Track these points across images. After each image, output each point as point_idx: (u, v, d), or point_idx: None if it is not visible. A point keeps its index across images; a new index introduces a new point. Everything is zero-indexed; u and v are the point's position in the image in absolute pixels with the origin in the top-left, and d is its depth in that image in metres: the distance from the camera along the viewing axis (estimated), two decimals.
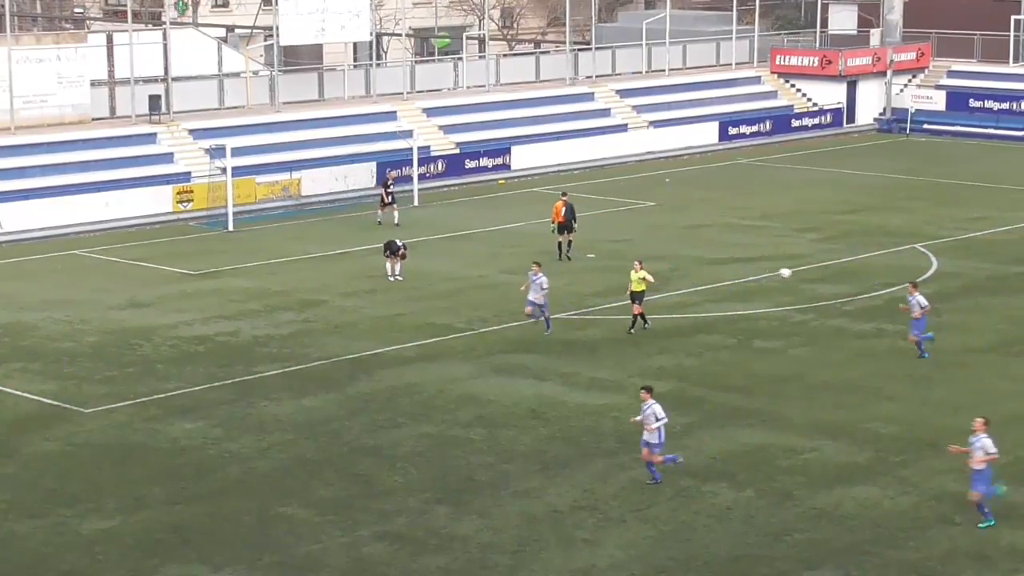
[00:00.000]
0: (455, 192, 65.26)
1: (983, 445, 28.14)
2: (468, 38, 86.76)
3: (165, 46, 64.60)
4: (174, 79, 64.69)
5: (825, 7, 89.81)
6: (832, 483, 30.53)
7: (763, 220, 58.12)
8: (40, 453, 32.75)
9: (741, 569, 26.75)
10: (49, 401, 36.14)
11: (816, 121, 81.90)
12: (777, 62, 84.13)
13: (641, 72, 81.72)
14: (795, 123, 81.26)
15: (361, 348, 40.37)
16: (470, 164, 68.56)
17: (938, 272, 49.18)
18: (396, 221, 56.36)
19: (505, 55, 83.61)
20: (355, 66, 77.30)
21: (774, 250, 52.59)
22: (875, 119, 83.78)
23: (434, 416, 34.82)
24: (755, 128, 79.26)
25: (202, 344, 41.07)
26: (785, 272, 44.08)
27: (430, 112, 70.88)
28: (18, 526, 28.66)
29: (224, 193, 58.04)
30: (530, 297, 41.53)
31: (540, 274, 41.26)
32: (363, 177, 64.38)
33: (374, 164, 64.77)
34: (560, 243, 51.00)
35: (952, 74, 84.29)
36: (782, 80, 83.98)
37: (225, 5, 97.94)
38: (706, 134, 77.37)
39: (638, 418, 30.76)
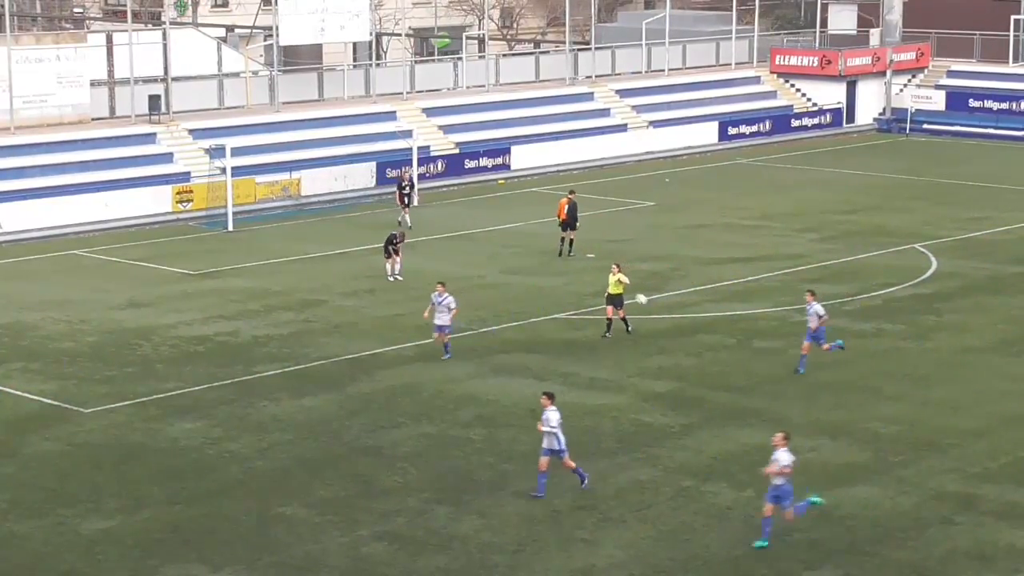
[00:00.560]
0: (455, 192, 65.26)
1: (778, 458, 27.48)
2: (468, 38, 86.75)
3: (165, 46, 64.59)
4: (174, 79, 64.70)
5: (825, 7, 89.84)
6: (832, 483, 30.51)
7: (763, 220, 58.13)
8: (40, 453, 32.74)
9: (741, 569, 26.75)
10: (49, 401, 36.14)
11: (816, 121, 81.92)
12: (777, 62, 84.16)
13: (641, 72, 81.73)
14: (795, 123, 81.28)
15: (361, 348, 40.37)
16: (470, 164, 68.56)
17: (938, 272, 49.19)
18: (408, 223, 55.80)
19: (505, 55, 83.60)
20: (355, 66, 77.34)
21: (774, 250, 52.60)
22: (875, 119, 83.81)
23: (434, 416, 34.82)
24: (755, 128, 79.29)
25: (202, 344, 41.07)
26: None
27: (430, 112, 70.88)
28: (18, 526, 28.66)
29: (224, 193, 58.05)
30: (436, 322, 38.92)
31: (446, 294, 38.81)
32: (363, 177, 64.40)
33: (374, 164, 64.79)
34: (562, 239, 51.11)
35: (952, 74, 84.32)
36: (782, 80, 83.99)
37: (225, 5, 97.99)
38: (706, 134, 77.39)
39: (541, 425, 29.94)
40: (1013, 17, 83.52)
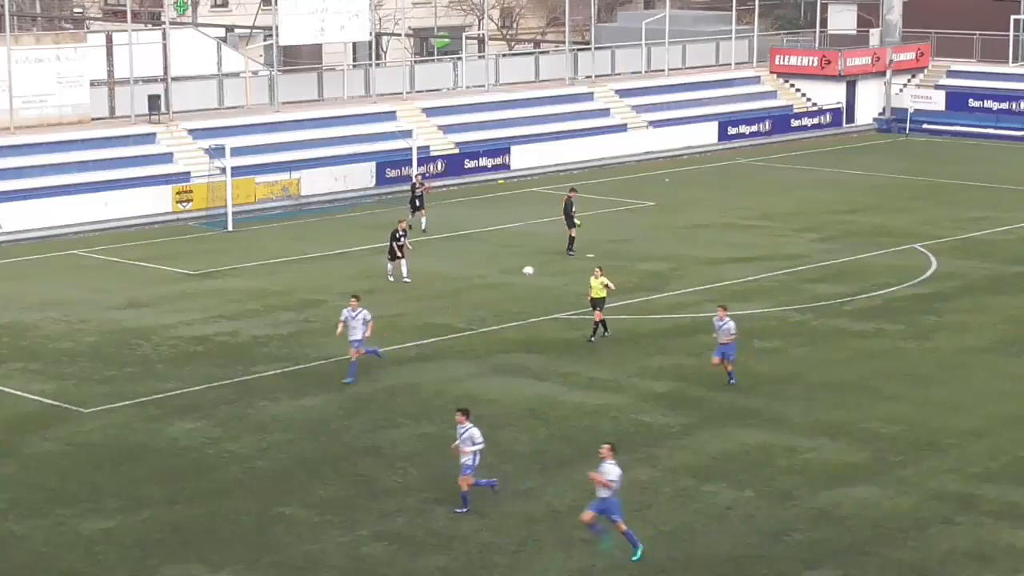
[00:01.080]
0: (454, 192, 65.25)
1: (605, 470, 26.89)
2: (467, 38, 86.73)
3: (164, 46, 64.59)
4: (173, 79, 64.69)
5: (825, 7, 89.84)
6: (832, 483, 30.52)
7: (763, 220, 58.12)
8: (40, 453, 32.75)
9: (741, 569, 26.75)
10: (49, 401, 36.15)
11: (816, 121, 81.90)
12: (776, 62, 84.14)
13: (640, 72, 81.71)
14: (794, 123, 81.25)
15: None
16: (469, 164, 68.56)
17: (937, 272, 49.19)
18: (423, 227, 55.43)
19: (504, 55, 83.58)
20: (354, 66, 77.35)
21: (774, 250, 52.60)
22: (875, 119, 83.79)
23: (434, 416, 34.81)
24: (754, 128, 79.26)
25: (202, 344, 41.07)
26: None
27: (429, 112, 70.88)
28: (18, 526, 28.66)
29: (223, 193, 58.05)
30: (352, 338, 36.91)
31: (360, 308, 37.01)
32: (362, 177, 64.41)
33: (373, 164, 64.79)
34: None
35: (951, 74, 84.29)
36: (781, 80, 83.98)
37: (224, 5, 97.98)
38: (705, 134, 77.37)
39: (457, 443, 29.25)
40: (1013, 17, 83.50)
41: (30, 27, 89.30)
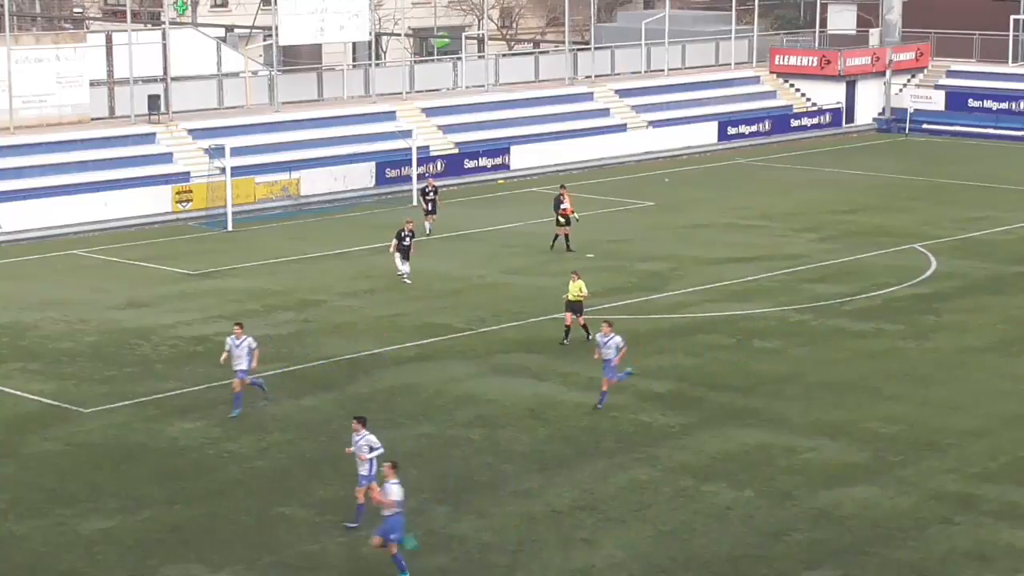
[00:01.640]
0: (454, 192, 65.20)
1: (388, 490, 26.20)
2: (467, 38, 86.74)
3: (164, 46, 64.58)
4: (173, 79, 64.69)
5: (824, 7, 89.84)
6: (831, 483, 30.52)
7: (762, 220, 58.12)
8: (40, 453, 32.74)
9: (741, 569, 26.75)
10: (49, 401, 36.14)
11: (815, 121, 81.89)
12: (776, 62, 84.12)
13: (640, 72, 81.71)
14: (794, 123, 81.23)
15: (360, 348, 40.36)
16: (469, 164, 68.55)
17: (937, 272, 49.19)
18: (428, 231, 54.73)
19: (504, 55, 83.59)
20: (354, 66, 77.33)
21: (774, 250, 52.60)
22: (874, 119, 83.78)
23: (433, 416, 34.81)
24: (754, 128, 79.25)
25: (201, 344, 41.05)
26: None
27: (429, 112, 70.87)
28: (18, 526, 28.66)
29: (223, 193, 58.05)
30: (237, 367, 34.65)
31: (244, 336, 34.70)
32: (362, 177, 64.40)
33: (373, 164, 64.79)
34: (566, 235, 51.46)
35: (951, 74, 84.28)
36: (781, 80, 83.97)
37: (224, 5, 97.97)
38: (705, 134, 77.36)
39: (351, 449, 28.59)
40: (1013, 17, 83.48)
41: (30, 27, 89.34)
